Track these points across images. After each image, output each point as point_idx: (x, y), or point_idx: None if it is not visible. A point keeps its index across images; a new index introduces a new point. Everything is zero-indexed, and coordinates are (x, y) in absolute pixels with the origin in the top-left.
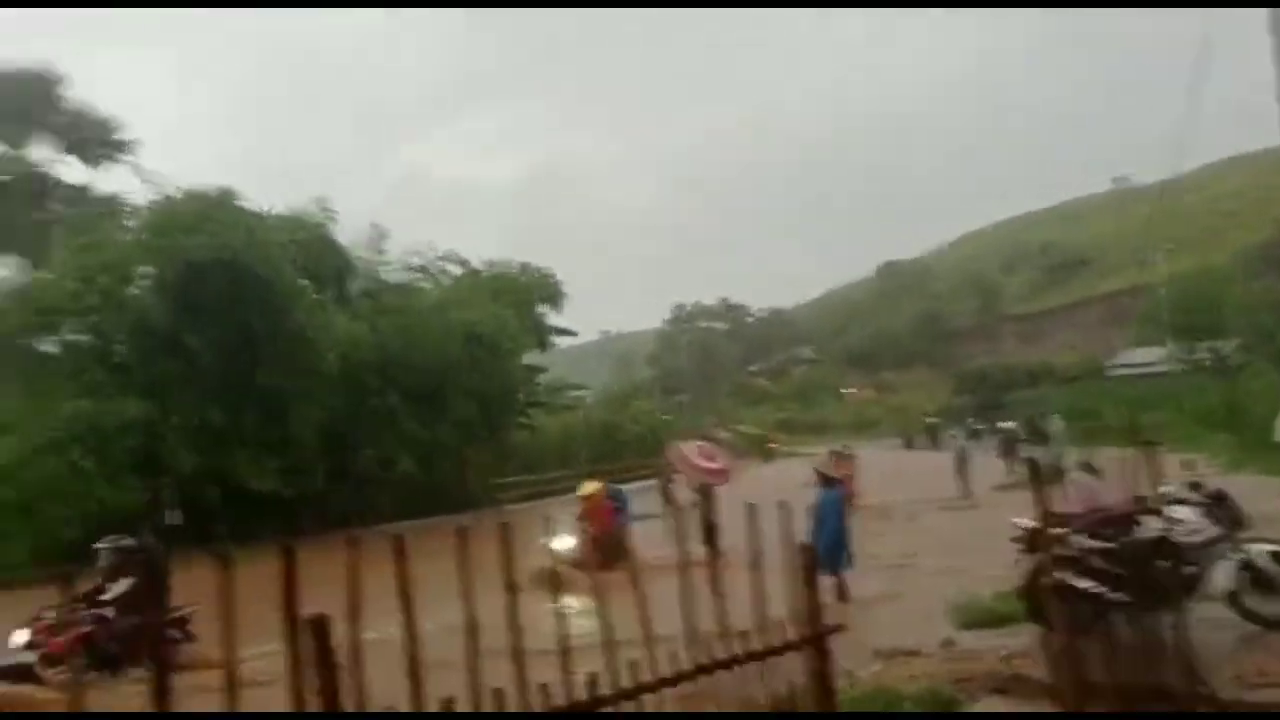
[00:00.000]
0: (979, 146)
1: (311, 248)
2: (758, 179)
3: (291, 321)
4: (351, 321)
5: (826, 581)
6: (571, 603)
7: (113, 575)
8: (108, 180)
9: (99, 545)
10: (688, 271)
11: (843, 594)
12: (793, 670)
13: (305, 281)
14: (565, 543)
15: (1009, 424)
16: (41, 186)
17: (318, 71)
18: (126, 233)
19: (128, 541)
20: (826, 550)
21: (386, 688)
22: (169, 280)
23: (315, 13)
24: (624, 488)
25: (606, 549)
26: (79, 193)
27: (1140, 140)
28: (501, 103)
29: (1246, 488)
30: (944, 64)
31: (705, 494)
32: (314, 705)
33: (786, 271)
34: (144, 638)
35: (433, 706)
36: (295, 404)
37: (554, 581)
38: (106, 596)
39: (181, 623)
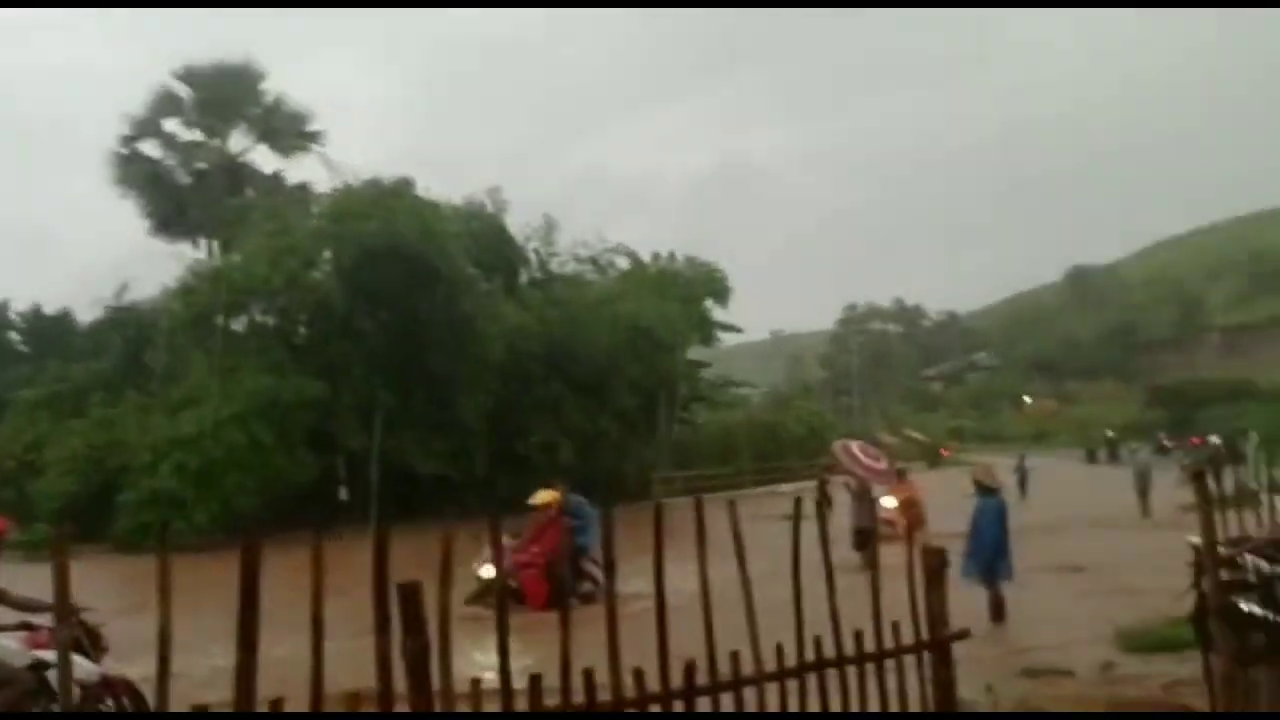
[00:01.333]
0: (1178, 147)
1: (484, 238)
2: (938, 176)
3: (461, 309)
4: (519, 311)
5: (982, 594)
6: None
7: None
8: (298, 169)
9: None
10: (865, 270)
11: (998, 607)
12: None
13: (476, 270)
14: (489, 571)
15: (1215, 440)
16: (237, 175)
17: (499, 68)
18: (311, 219)
19: None
20: (983, 561)
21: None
22: (345, 265)
23: (496, 11)
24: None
25: (554, 577)
26: (271, 181)
27: None
28: (681, 98)
29: None
30: (1141, 61)
31: (862, 496)
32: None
33: (966, 273)
34: None
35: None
36: (462, 389)
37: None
38: None
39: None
